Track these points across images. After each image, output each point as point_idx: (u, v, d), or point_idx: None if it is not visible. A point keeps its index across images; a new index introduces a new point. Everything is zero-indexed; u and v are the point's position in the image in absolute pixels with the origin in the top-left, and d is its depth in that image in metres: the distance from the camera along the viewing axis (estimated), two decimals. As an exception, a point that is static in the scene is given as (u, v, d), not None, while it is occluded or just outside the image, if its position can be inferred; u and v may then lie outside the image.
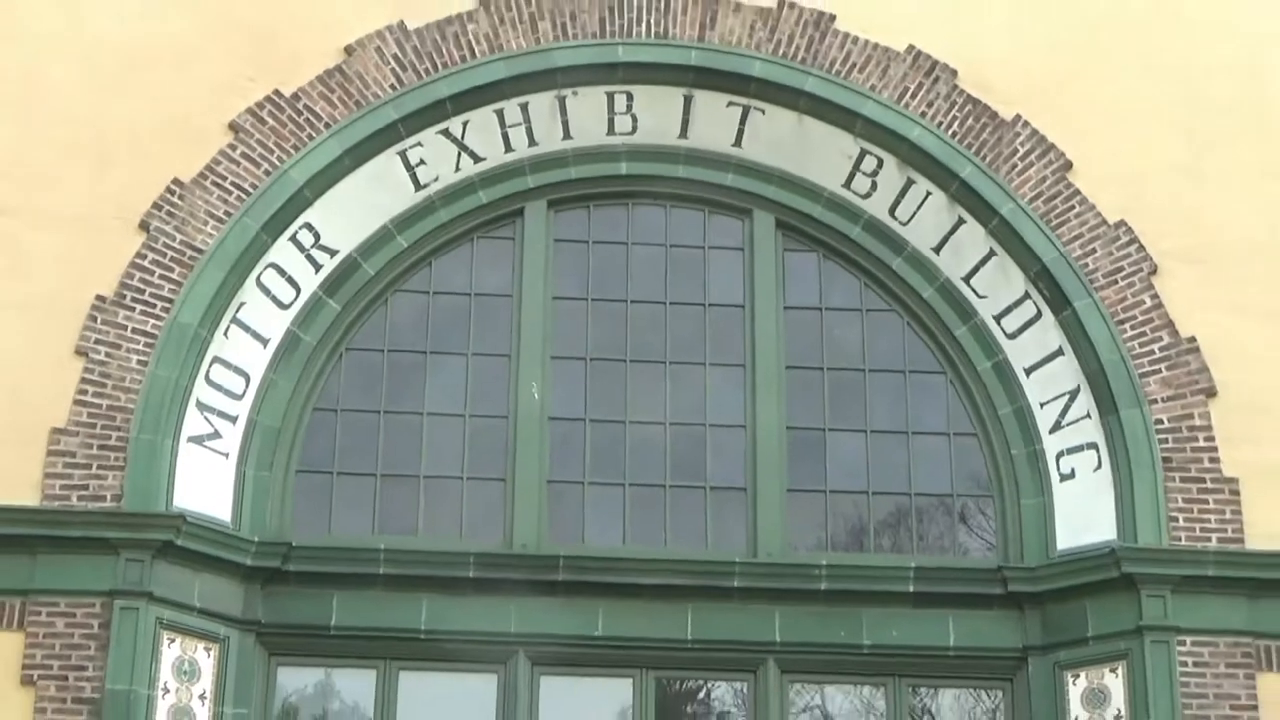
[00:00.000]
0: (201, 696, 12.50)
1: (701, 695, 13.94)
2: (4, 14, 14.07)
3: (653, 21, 14.25)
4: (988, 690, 13.54)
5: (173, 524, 12.35)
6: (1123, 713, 12.62)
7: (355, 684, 13.27)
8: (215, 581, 12.69)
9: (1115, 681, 12.69)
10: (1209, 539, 12.77)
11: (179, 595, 12.42)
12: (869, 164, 14.16)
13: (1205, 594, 12.64)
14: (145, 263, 13.10)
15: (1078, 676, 12.89)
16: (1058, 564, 13.10)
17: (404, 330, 14.23)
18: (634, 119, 14.37)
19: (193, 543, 12.46)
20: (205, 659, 12.60)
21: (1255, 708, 12.39)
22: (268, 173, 13.53)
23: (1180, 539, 12.78)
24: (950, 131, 14.04)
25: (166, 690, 12.27)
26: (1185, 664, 12.44)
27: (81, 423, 12.61)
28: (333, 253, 13.88)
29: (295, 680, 13.29)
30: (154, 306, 12.96)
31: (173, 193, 13.28)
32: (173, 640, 12.39)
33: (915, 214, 14.19)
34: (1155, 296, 13.44)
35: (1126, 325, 13.37)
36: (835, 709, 13.64)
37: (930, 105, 14.14)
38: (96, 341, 12.80)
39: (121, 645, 12.04)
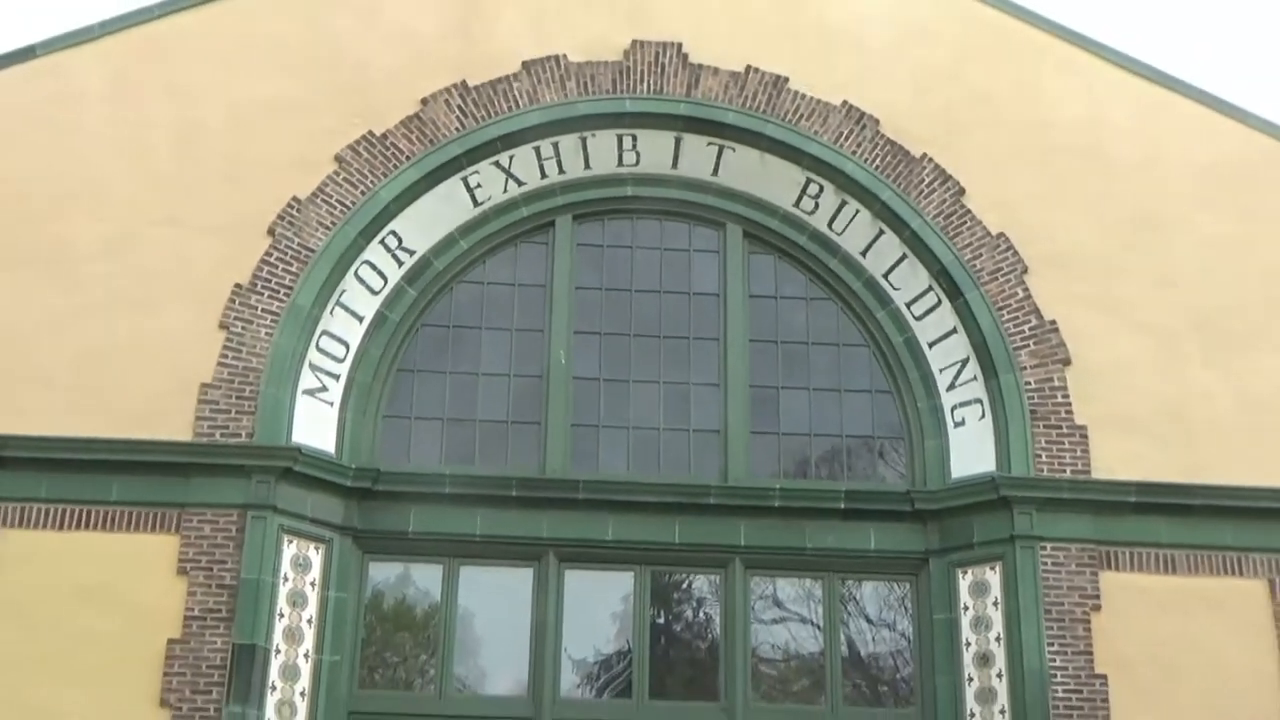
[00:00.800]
0: (311, 584, 12.88)
1: (684, 585, 14.03)
2: (163, 71, 14.29)
3: (651, 82, 14.56)
4: (898, 582, 13.77)
5: (291, 455, 12.76)
6: (999, 600, 12.94)
7: (426, 575, 13.59)
8: (322, 498, 13.03)
9: (994, 576, 13.07)
10: (1064, 470, 13.23)
11: (295, 508, 12.79)
12: (813, 189, 14.47)
13: (1061, 512, 13.06)
14: (271, 260, 13.49)
15: (965, 573, 13.28)
16: (952, 489, 13.54)
17: (464, 311, 14.44)
18: (637, 154, 14.66)
19: (306, 469, 12.86)
20: (315, 555, 12.94)
21: (1098, 596, 12.79)
22: (363, 193, 13.85)
23: (1043, 470, 13.23)
24: (874, 165, 14.32)
25: (286, 579, 12.67)
26: (1045, 564, 12.86)
27: (223, 379, 13.00)
28: (411, 253, 14.16)
29: (381, 572, 13.56)
30: (278, 293, 13.37)
31: (293, 207, 13.68)
32: (290, 541, 12.78)
33: (848, 227, 14.49)
34: (1026, 290, 13.88)
35: (1004, 311, 13.79)
36: (785, 596, 13.76)
37: (859, 146, 14.39)
38: (235, 319, 13.19)
39: (252, 545, 12.44)
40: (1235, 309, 14.01)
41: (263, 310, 13.43)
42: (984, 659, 13.03)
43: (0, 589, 12.29)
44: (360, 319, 14.01)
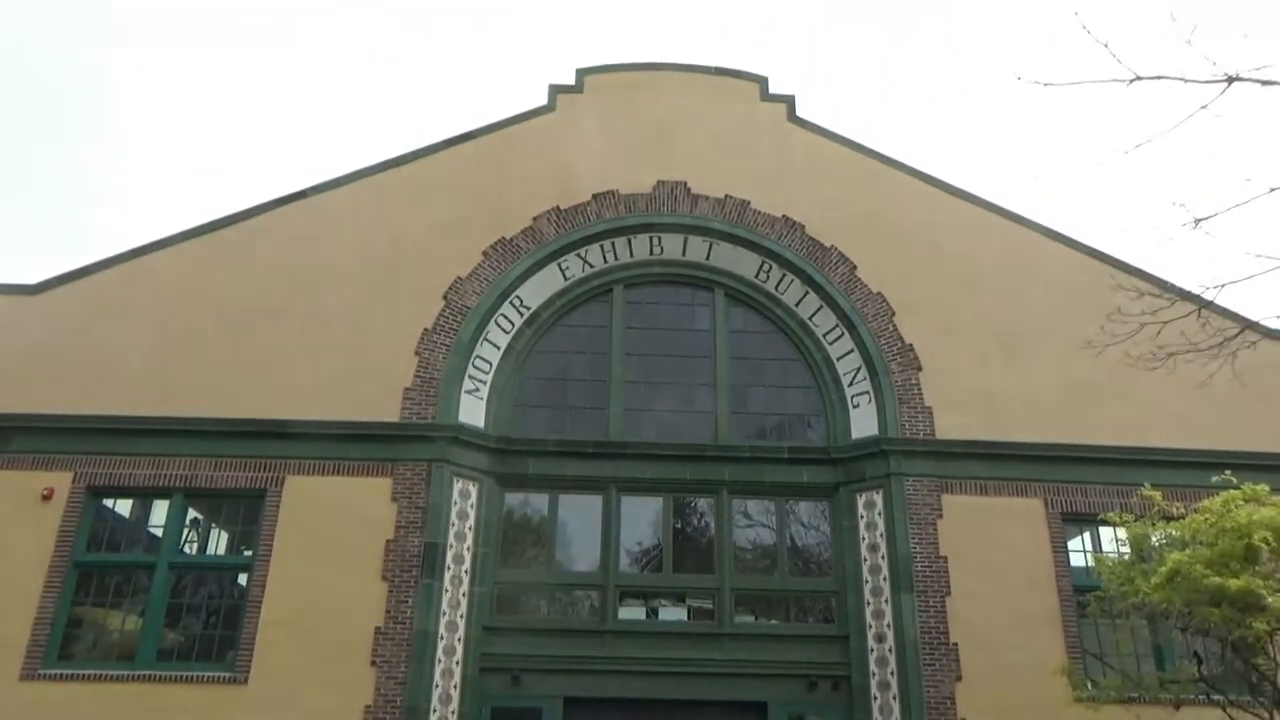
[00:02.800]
0: (471, 506, 13.06)
1: (692, 507, 13.88)
2: (383, 200, 14.33)
3: (669, 205, 14.64)
4: (820, 502, 13.68)
5: (457, 429, 13.06)
6: (881, 512, 13.05)
7: (540, 501, 13.58)
8: (477, 455, 13.22)
9: (878, 497, 13.16)
10: (919, 433, 13.31)
11: (460, 461, 13.01)
12: (766, 267, 14.50)
13: (917, 458, 13.16)
14: (445, 314, 13.69)
15: (861, 495, 13.33)
16: (852, 445, 13.56)
17: (559, 342, 14.42)
18: (662, 248, 14.71)
19: (466, 437, 13.13)
20: (472, 489, 13.12)
21: (940, 509, 12.89)
22: (499, 274, 14.04)
23: (906, 433, 13.30)
24: (801, 253, 14.36)
25: (455, 503, 12.87)
26: (909, 490, 12.99)
27: (418, 385, 13.23)
28: (528, 308, 14.25)
29: (512, 500, 13.55)
30: (449, 333, 13.58)
31: (458, 282, 13.87)
32: (457, 481, 12.97)
33: (787, 289, 14.48)
34: (894, 326, 13.94)
35: (881, 338, 13.89)
36: (754, 510, 13.70)
37: (792, 241, 14.43)
38: (424, 349, 13.43)
39: (435, 483, 12.70)
40: (1021, 335, 14.09)
41: (440, 343, 13.71)
42: (873, 547, 13.17)
43: (289, 513, 12.57)
44: (498, 348, 14.16)
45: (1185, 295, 8.43)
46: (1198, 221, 6.70)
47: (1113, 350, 10.70)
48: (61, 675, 11.61)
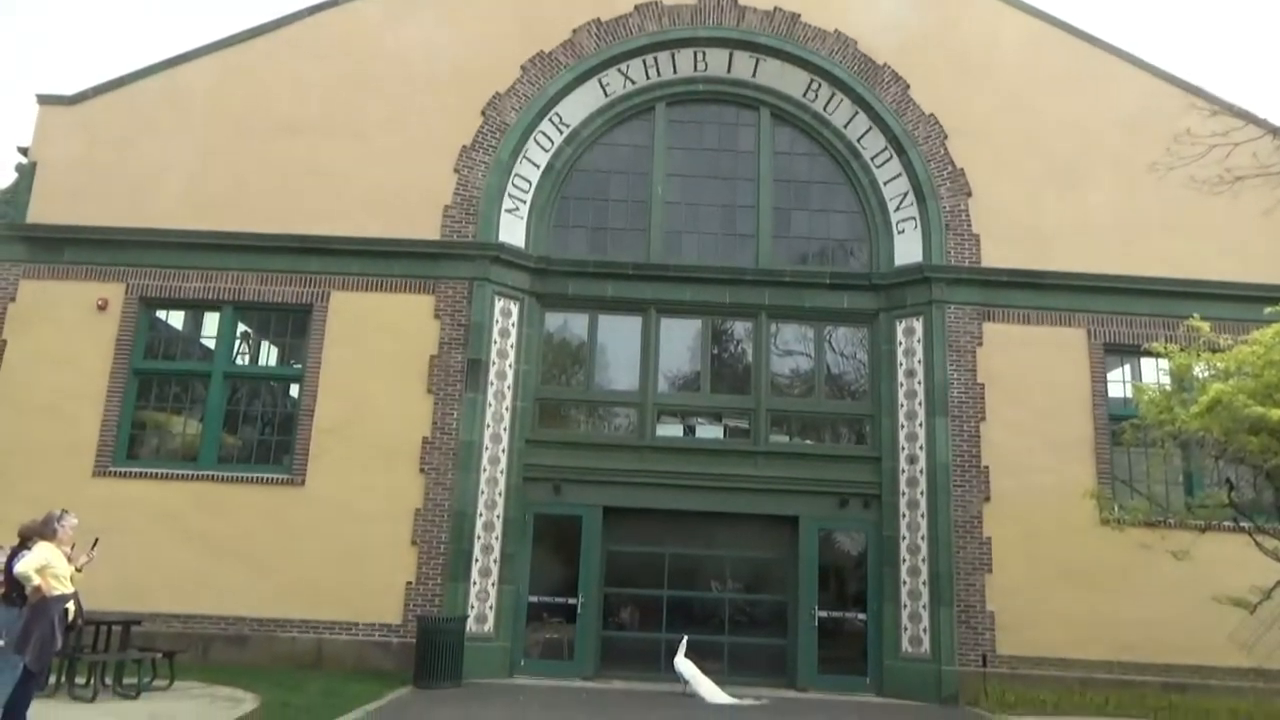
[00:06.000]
0: (512, 324, 13.18)
1: (728, 331, 13.89)
2: (422, 20, 13.87)
3: (714, 18, 13.96)
4: (859, 328, 13.64)
5: (498, 248, 13.03)
6: (920, 339, 13.00)
7: (579, 321, 13.70)
8: (517, 274, 13.26)
9: (918, 324, 13.10)
10: (964, 261, 13.09)
11: (501, 279, 13.06)
12: (815, 85, 13.98)
13: (960, 286, 13.02)
14: (484, 131, 13.40)
15: (901, 322, 13.27)
16: (895, 271, 13.39)
17: (600, 161, 14.13)
18: (706, 64, 14.14)
19: (507, 256, 13.12)
20: (513, 307, 13.22)
21: (981, 337, 12.84)
22: (538, 89, 13.63)
23: (951, 261, 13.09)
24: (853, 70, 13.76)
25: (497, 321, 13.02)
26: (950, 318, 12.91)
27: (457, 203, 13.11)
28: (567, 125, 13.94)
29: (552, 320, 13.68)
30: (489, 151, 13.32)
31: (496, 98, 13.51)
32: (499, 299, 13.06)
33: (836, 109, 13.97)
34: (946, 150, 13.47)
35: (931, 163, 13.45)
36: (790, 335, 13.70)
37: (844, 58, 13.82)
38: (463, 166, 13.22)
39: (477, 301, 12.80)
40: (1078, 162, 13.59)
41: (479, 161, 13.51)
42: (910, 373, 13.22)
43: (335, 328, 12.85)
44: (537, 166, 13.95)
45: (1258, 121, 7.98)
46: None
47: (1171, 180, 10.45)
48: (130, 473, 12.28)
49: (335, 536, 11.99)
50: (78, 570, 7.24)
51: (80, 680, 9.24)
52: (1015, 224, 13.25)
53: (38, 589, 6.74)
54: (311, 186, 13.16)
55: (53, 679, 8.93)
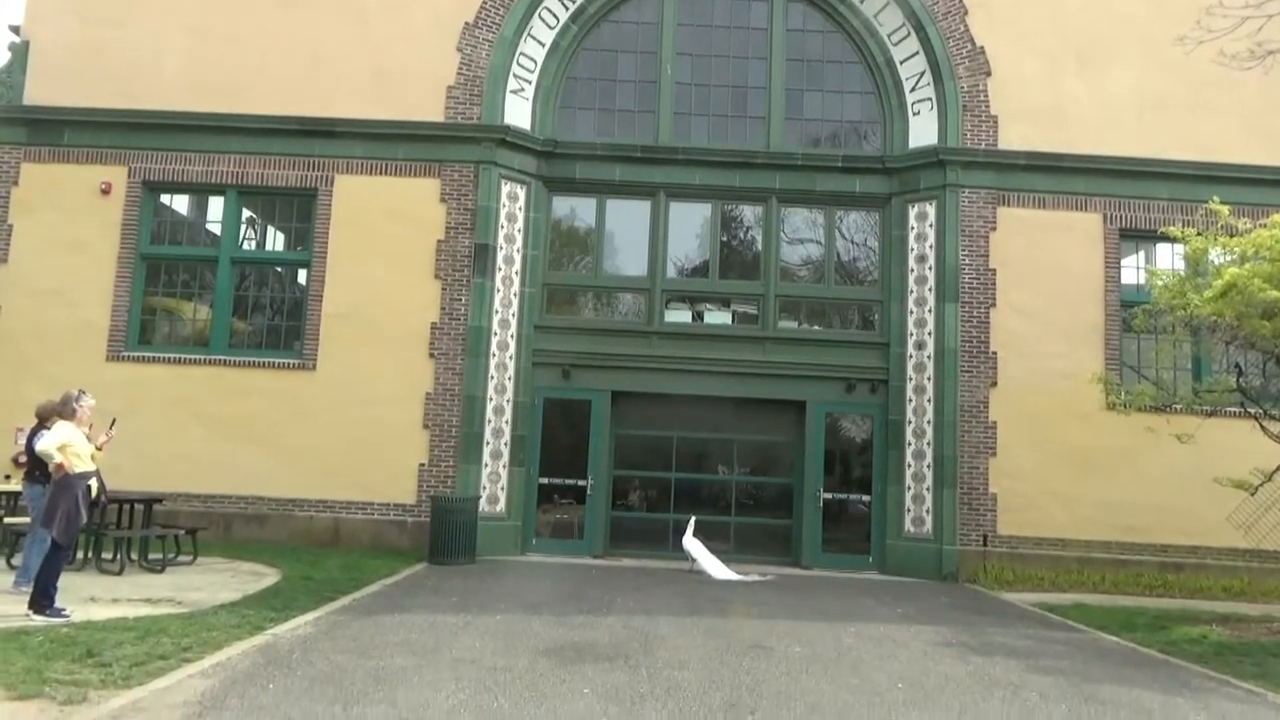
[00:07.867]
0: (519, 208, 13.05)
1: (738, 215, 13.74)
2: None
3: None
4: (871, 212, 13.46)
5: (504, 130, 12.75)
6: (933, 223, 12.83)
7: (586, 205, 13.52)
8: (523, 157, 13.02)
9: (931, 209, 12.93)
10: (980, 144, 12.79)
11: (507, 163, 12.84)
12: None
13: (975, 169, 12.75)
14: (488, 6, 12.89)
15: (914, 206, 13.08)
16: (909, 154, 13.11)
17: (606, 39, 13.69)
18: None
19: (513, 139, 12.85)
20: (520, 191, 13.04)
21: (995, 221, 12.65)
22: None
23: (966, 144, 12.79)
24: None
25: (504, 205, 12.85)
26: (964, 202, 12.70)
27: (461, 83, 12.78)
28: (574, 2, 13.37)
29: (560, 205, 13.52)
30: (492, 28, 12.90)
31: None
32: (505, 183, 12.87)
33: None
34: (965, 26, 12.94)
35: (950, 40, 12.97)
36: (799, 221, 13.59)
37: None
38: (466, 45, 12.83)
39: (483, 185, 12.63)
40: (1101, 40, 13.12)
41: (483, 39, 13.11)
42: (921, 258, 13.12)
43: (340, 212, 12.73)
44: (543, 45, 13.52)
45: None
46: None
47: (1199, 56, 10.13)
48: (144, 357, 12.42)
49: (348, 420, 12.17)
50: (98, 449, 7.37)
51: (107, 555, 9.56)
52: (1035, 105, 12.88)
53: (60, 466, 6.90)
54: (310, 69, 12.84)
55: (80, 554, 9.26)
